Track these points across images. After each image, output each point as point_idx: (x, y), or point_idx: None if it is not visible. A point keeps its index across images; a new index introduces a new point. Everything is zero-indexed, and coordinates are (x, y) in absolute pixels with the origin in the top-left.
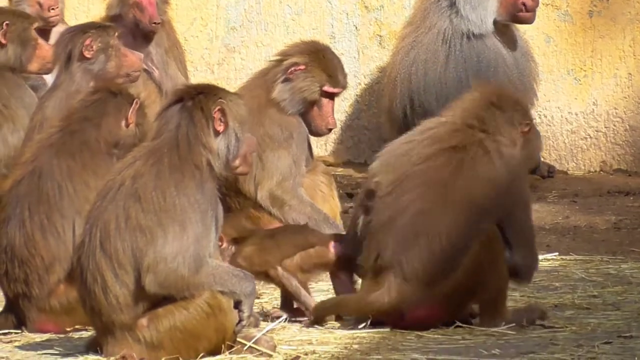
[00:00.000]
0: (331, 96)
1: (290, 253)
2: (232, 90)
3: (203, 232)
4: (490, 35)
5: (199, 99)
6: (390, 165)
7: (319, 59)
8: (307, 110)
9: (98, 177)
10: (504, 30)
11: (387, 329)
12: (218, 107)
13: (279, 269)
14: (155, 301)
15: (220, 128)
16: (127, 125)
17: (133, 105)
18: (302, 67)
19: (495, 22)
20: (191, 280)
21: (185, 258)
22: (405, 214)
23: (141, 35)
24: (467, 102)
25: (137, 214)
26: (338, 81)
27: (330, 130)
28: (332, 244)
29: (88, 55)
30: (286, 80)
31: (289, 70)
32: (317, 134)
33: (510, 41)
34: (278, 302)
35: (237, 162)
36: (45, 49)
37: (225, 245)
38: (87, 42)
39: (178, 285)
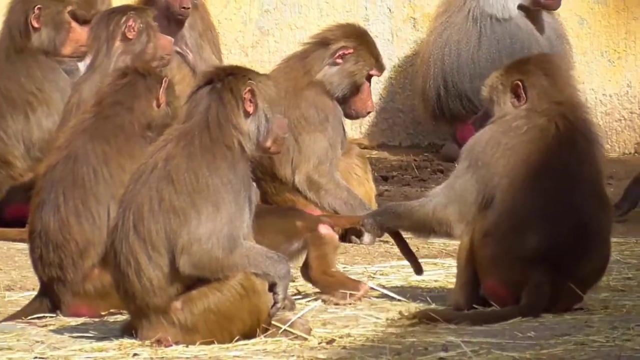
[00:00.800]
0: (370, 79)
1: (277, 241)
2: (266, 72)
3: (236, 213)
4: (521, 18)
5: (228, 81)
6: None
7: (366, 43)
8: (350, 94)
9: (134, 160)
10: (536, 12)
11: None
12: (248, 88)
13: None
14: (188, 283)
15: (250, 109)
16: (159, 106)
17: (163, 85)
18: (351, 50)
19: (521, 6)
20: (225, 262)
21: (219, 239)
22: None
23: (174, 19)
24: None
25: (170, 196)
26: (383, 65)
27: (369, 113)
28: (321, 227)
29: (130, 36)
30: (334, 64)
31: (338, 54)
32: (356, 116)
33: (544, 23)
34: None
35: (268, 143)
36: (79, 32)
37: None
38: (130, 22)
39: (212, 266)
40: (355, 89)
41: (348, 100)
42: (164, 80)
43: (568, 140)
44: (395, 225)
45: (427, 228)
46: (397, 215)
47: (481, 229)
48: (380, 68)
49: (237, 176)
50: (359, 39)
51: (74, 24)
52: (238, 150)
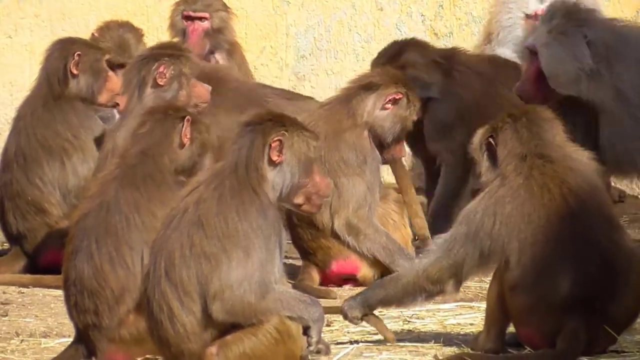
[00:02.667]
0: None
1: None
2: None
3: (267, 257)
4: None
5: (265, 125)
6: None
7: (412, 89)
8: (396, 139)
9: (165, 206)
10: None
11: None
12: (277, 137)
13: None
14: (223, 329)
15: (276, 158)
16: (182, 146)
17: (184, 124)
18: (402, 96)
19: None
20: (258, 307)
21: (251, 284)
22: None
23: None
24: None
25: (201, 241)
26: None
27: (402, 158)
28: None
29: (161, 82)
30: (384, 108)
31: (389, 99)
32: (392, 162)
33: None
34: (349, 329)
35: (296, 199)
36: (115, 81)
37: None
38: (161, 69)
39: (245, 311)
40: (403, 134)
41: (388, 146)
42: (185, 119)
43: (557, 185)
44: (380, 298)
45: (418, 288)
46: (380, 286)
47: (508, 281)
48: (420, 113)
49: (267, 221)
50: (407, 85)
51: (110, 72)
52: (264, 195)
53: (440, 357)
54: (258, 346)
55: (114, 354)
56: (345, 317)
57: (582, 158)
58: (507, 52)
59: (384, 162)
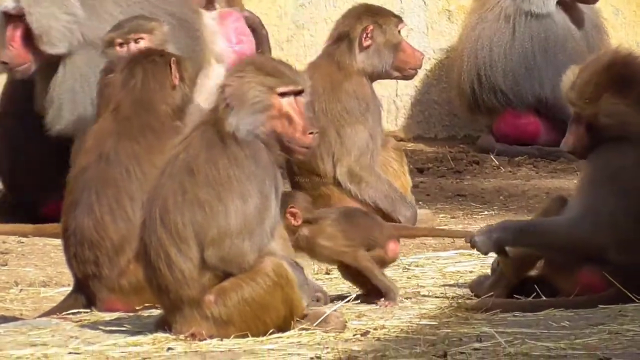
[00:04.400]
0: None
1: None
2: (302, 65)
3: (263, 204)
4: (558, 13)
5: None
6: None
7: (377, 11)
8: (395, 59)
9: (165, 156)
10: (573, 5)
11: (455, 305)
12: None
13: (359, 251)
14: (222, 275)
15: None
16: (174, 87)
17: (172, 68)
18: (372, 27)
19: (560, 2)
20: (251, 259)
21: (250, 235)
22: None
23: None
24: None
25: (192, 188)
26: (399, 16)
27: (422, 61)
28: (390, 245)
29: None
30: (365, 48)
31: (363, 38)
32: (414, 72)
33: (580, 16)
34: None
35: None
36: None
37: (298, 222)
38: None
39: (238, 261)
40: (397, 52)
41: (397, 66)
42: (172, 61)
43: None
44: (522, 243)
45: (577, 251)
46: (521, 232)
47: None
48: (401, 18)
49: (259, 165)
50: (369, 13)
51: None
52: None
53: (464, 305)
54: (257, 291)
55: (113, 303)
56: (475, 247)
57: None
58: None
59: (406, 78)
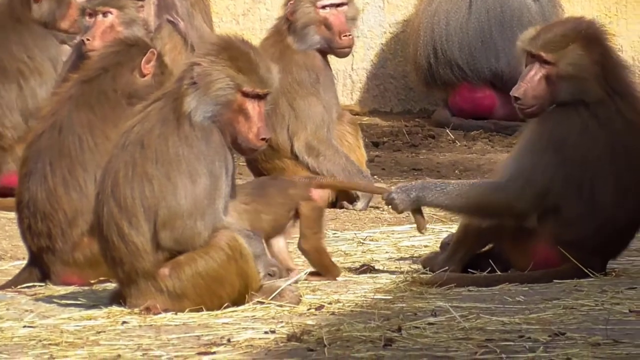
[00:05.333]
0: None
1: (281, 217)
2: (257, 40)
3: (213, 184)
4: None
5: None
6: None
7: None
8: (326, 30)
9: (118, 129)
10: None
11: (410, 279)
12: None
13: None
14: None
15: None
16: (143, 76)
17: (147, 55)
18: (292, 1)
19: None
20: (206, 237)
21: (201, 215)
22: None
23: None
24: None
25: (143, 162)
26: None
27: (349, 32)
28: (312, 193)
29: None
30: (292, 23)
31: (288, 15)
32: (348, 44)
33: None
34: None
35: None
36: (75, 9)
37: None
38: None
39: (194, 241)
40: (323, 24)
41: (329, 38)
42: (150, 51)
43: None
44: (437, 203)
45: (493, 213)
46: (442, 192)
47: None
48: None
49: (209, 145)
50: None
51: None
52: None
53: (419, 280)
54: (211, 265)
55: (68, 276)
56: (390, 204)
57: None
58: None
59: (341, 50)
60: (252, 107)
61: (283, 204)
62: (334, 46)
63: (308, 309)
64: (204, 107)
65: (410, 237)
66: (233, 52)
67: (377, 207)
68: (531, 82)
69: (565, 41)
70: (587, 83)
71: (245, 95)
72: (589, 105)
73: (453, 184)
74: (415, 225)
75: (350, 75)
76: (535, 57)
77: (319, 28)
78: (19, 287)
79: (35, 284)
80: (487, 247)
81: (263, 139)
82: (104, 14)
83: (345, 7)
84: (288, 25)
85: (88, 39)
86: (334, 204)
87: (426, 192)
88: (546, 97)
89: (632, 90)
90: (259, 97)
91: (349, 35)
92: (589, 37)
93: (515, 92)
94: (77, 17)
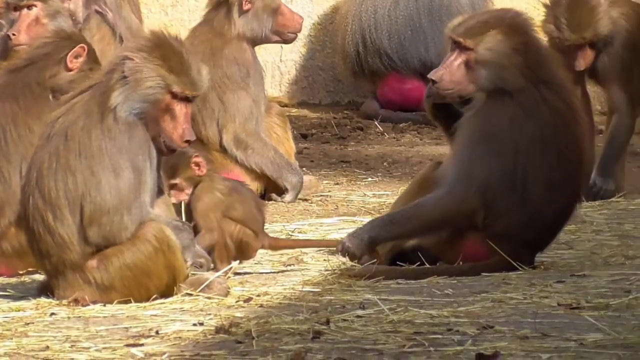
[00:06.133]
0: None
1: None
2: (185, 31)
3: (137, 178)
4: None
5: (124, 49)
6: None
7: None
8: (274, 23)
9: (42, 121)
10: None
11: (338, 272)
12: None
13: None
14: None
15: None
16: (68, 70)
17: (75, 50)
18: None
19: None
20: (132, 231)
21: (127, 209)
22: None
23: None
24: None
25: (66, 154)
26: None
27: (301, 25)
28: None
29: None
30: (245, 12)
31: (244, 1)
32: (294, 36)
33: None
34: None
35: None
36: None
37: (203, 171)
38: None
39: (122, 236)
40: (276, 15)
41: (277, 30)
42: (79, 46)
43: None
44: (392, 235)
45: (447, 224)
46: (391, 223)
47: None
48: None
49: (132, 140)
50: None
51: None
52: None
53: (347, 272)
54: (138, 256)
55: None
56: (347, 254)
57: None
58: None
59: (287, 42)
60: (179, 108)
61: (243, 219)
62: (286, 31)
63: (236, 301)
64: (131, 103)
65: (339, 229)
66: (166, 50)
67: (306, 200)
68: (450, 66)
69: (486, 28)
70: (507, 70)
71: (174, 96)
72: (512, 95)
73: (398, 211)
74: (344, 217)
75: (278, 67)
76: (456, 43)
77: (275, 14)
78: None
79: None
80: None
81: (187, 141)
82: (29, 7)
83: None
84: (227, 12)
85: (14, 34)
86: (262, 196)
87: (377, 230)
88: (465, 83)
89: (559, 80)
90: (187, 99)
91: (302, 20)
92: (512, 26)
93: (432, 75)
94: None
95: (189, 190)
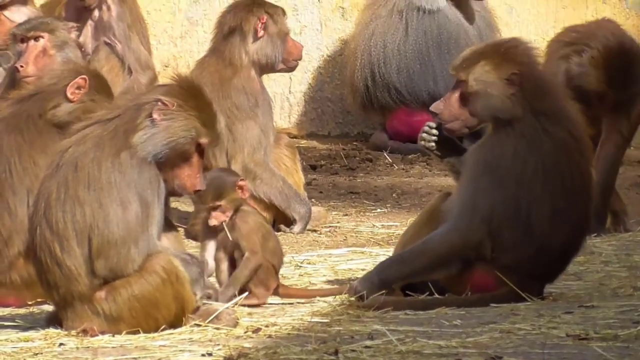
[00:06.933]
0: None
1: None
2: (194, 63)
3: (144, 212)
4: (449, 9)
5: (167, 85)
6: None
7: (263, 3)
8: (282, 51)
9: (47, 156)
10: (464, 2)
11: (346, 302)
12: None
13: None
14: None
15: (157, 117)
16: (69, 101)
17: (76, 80)
18: (265, 17)
19: None
20: (139, 263)
21: (135, 242)
22: None
23: (81, 7)
24: None
25: (75, 184)
26: (282, 7)
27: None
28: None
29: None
30: (258, 38)
31: (256, 29)
32: (295, 65)
33: (474, 13)
34: None
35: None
36: (6, 24)
37: (246, 195)
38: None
39: (129, 269)
40: (284, 42)
41: (284, 58)
42: (80, 77)
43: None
44: (402, 275)
45: (455, 257)
46: (400, 262)
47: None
48: (284, 10)
49: (141, 176)
50: (257, 4)
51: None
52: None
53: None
54: (146, 288)
55: (5, 297)
56: (361, 298)
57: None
58: None
59: (293, 68)
60: (197, 157)
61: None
62: (291, 58)
63: (245, 332)
64: (154, 147)
65: (348, 260)
66: (199, 102)
67: (314, 231)
68: (448, 100)
69: (476, 59)
70: (497, 100)
71: (198, 147)
72: (514, 125)
73: (406, 250)
74: (353, 248)
75: (287, 98)
76: (454, 77)
77: (285, 41)
78: None
79: None
80: None
81: (197, 190)
82: (36, 39)
83: None
84: (240, 40)
85: (22, 66)
86: (272, 225)
87: (386, 271)
88: (464, 115)
89: (560, 109)
90: (204, 149)
91: (302, 47)
92: (504, 55)
93: (433, 107)
94: (5, 33)
95: (229, 213)
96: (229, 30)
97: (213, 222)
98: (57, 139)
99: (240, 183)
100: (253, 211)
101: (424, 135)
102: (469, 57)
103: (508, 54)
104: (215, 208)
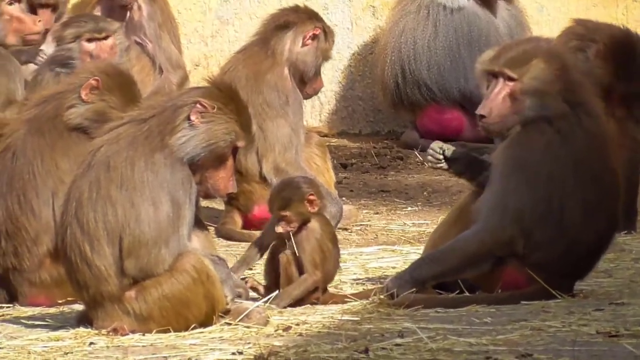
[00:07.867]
0: None
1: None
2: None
3: (176, 212)
4: (473, 6)
5: (203, 88)
6: None
7: (326, 25)
8: (315, 73)
9: (69, 158)
10: (494, 1)
11: (377, 300)
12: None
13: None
14: None
15: (195, 120)
16: (83, 102)
17: (89, 82)
18: (319, 31)
19: None
20: (169, 264)
21: (165, 243)
22: None
23: (117, 6)
24: None
25: (107, 184)
26: None
27: (311, 96)
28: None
29: None
30: (305, 44)
31: (309, 35)
32: (312, 95)
33: (503, 11)
34: None
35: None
36: (24, 22)
37: (315, 209)
38: None
39: (159, 269)
40: (319, 66)
41: (309, 80)
42: (93, 78)
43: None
44: (434, 274)
45: (486, 255)
46: (432, 261)
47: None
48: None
49: (174, 176)
50: (319, 17)
51: (18, 14)
52: (178, 150)
53: (386, 301)
54: (177, 287)
55: (35, 297)
56: (391, 296)
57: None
58: None
59: (305, 97)
60: (231, 158)
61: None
62: (312, 85)
63: (275, 330)
64: (194, 149)
65: (378, 258)
66: (238, 105)
67: (345, 229)
68: (496, 99)
69: (527, 57)
70: (550, 97)
71: (234, 149)
72: (552, 121)
73: (438, 250)
74: (384, 247)
75: (318, 97)
76: (498, 75)
77: (321, 61)
78: None
79: (3, 305)
80: None
81: (229, 193)
82: (105, 38)
83: None
84: (292, 39)
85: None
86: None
87: (418, 270)
88: (510, 114)
89: (593, 103)
90: (237, 152)
91: (322, 87)
92: (550, 52)
93: (481, 110)
94: (23, 30)
95: (296, 224)
96: (284, 24)
97: (279, 229)
98: (78, 141)
99: (310, 197)
100: (319, 230)
101: (430, 158)
102: (516, 56)
103: (551, 50)
104: (282, 218)
